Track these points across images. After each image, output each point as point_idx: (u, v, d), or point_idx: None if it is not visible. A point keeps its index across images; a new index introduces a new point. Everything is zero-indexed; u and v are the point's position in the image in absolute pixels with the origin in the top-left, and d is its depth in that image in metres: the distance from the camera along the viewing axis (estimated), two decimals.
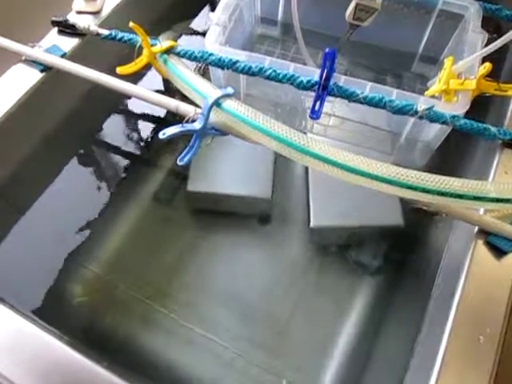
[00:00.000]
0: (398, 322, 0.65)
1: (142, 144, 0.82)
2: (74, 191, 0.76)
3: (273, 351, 0.62)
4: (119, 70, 0.56)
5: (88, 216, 0.74)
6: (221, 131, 0.51)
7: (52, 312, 0.64)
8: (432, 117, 0.52)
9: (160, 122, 0.82)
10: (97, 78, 0.55)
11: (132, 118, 0.84)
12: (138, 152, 0.82)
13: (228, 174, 0.73)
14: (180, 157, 0.49)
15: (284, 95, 0.63)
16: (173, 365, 0.61)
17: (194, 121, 0.50)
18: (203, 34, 0.60)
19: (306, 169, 0.74)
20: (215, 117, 0.51)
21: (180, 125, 0.48)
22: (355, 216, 0.68)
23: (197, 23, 0.92)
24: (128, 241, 0.72)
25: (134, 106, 0.83)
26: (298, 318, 0.65)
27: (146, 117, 0.83)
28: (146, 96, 0.55)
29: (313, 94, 0.52)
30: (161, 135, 0.46)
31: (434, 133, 0.58)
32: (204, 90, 0.51)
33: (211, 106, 0.49)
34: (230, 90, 0.50)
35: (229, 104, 0.50)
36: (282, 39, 0.78)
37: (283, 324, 0.64)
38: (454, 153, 0.65)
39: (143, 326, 0.64)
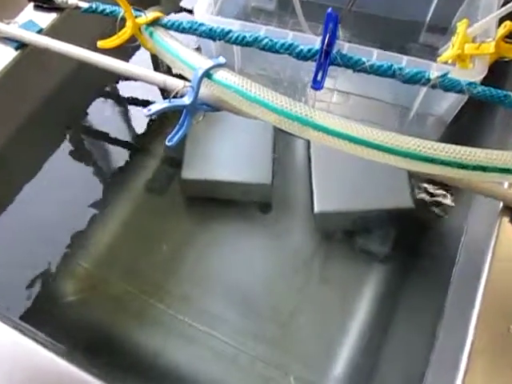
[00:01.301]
0: (413, 313, 0.61)
1: (131, 129, 0.77)
2: (59, 182, 0.71)
3: (278, 345, 0.59)
4: (100, 43, 0.51)
5: (76, 208, 0.70)
6: (213, 106, 0.45)
7: (40, 313, 0.61)
8: (446, 85, 0.47)
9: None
10: (75, 54, 0.49)
11: (120, 101, 0.79)
12: (127, 138, 0.78)
13: (224, 159, 0.69)
14: (169, 137, 0.42)
15: (282, 71, 0.58)
16: (172, 363, 0.58)
17: (183, 96, 0.44)
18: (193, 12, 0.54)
19: (309, 150, 0.69)
20: (206, 90, 0.45)
21: (167, 100, 0.41)
22: (362, 199, 0.64)
23: (187, 1, 0.86)
24: (120, 233, 0.68)
25: (123, 88, 0.79)
26: (303, 310, 0.61)
27: (136, 100, 0.78)
28: (129, 71, 0.49)
29: (314, 69, 0.46)
30: (146, 112, 0.40)
31: (447, 104, 0.53)
32: (193, 60, 0.45)
33: (201, 78, 0.43)
34: (221, 60, 0.44)
35: (221, 75, 0.44)
36: (279, 13, 0.72)
37: (288, 317, 0.61)
38: (470, 126, 0.60)
39: (139, 323, 0.61)
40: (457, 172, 0.39)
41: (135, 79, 0.50)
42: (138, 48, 0.55)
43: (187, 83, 0.45)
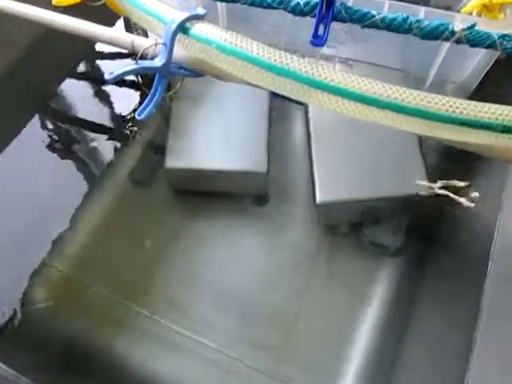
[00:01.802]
0: (432, 315, 0.56)
1: (108, 112, 0.71)
2: (25, 173, 0.65)
3: (278, 354, 0.54)
4: (55, 1, 0.41)
5: (49, 202, 0.64)
6: (192, 70, 0.36)
7: (8, 323, 0.56)
8: (474, 39, 0.39)
9: (131, 86, 0.71)
10: (24, 13, 0.40)
11: (95, 80, 0.73)
12: (104, 122, 0.71)
13: (214, 144, 0.62)
14: (139, 109, 0.33)
15: (276, 36, 0.49)
16: (158, 376, 0.54)
17: (155, 58, 0.35)
18: None
19: (309, 133, 0.62)
20: (183, 49, 0.36)
21: (134, 62, 0.32)
22: (370, 187, 0.58)
23: None
24: (98, 231, 0.63)
25: (98, 64, 0.73)
26: (306, 313, 0.57)
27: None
28: (90, 32, 0.40)
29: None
30: (107, 76, 0.31)
31: (469, 69, 0.45)
32: (165, 12, 0.36)
33: (175, 33, 0.34)
34: (200, 11, 0.34)
35: (199, 28, 0.35)
36: None
37: (289, 321, 0.56)
38: (496, 94, 0.53)
39: (121, 332, 0.56)
40: (500, 140, 0.30)
41: (98, 41, 0.40)
42: (105, 11, 0.47)
43: (159, 41, 0.35)
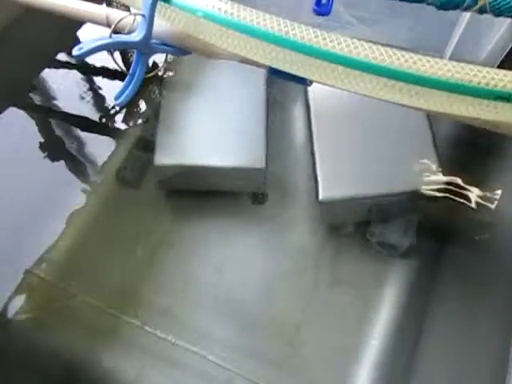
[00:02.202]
0: (450, 317, 0.52)
1: (92, 105, 0.67)
2: (5, 172, 0.61)
3: (282, 367, 0.51)
4: None
5: (29, 205, 0.61)
6: (176, 45, 0.30)
7: None
8: (500, 7, 0.34)
9: (116, 75, 0.66)
10: None
11: (77, 70, 0.69)
12: (88, 116, 0.67)
13: (207, 139, 0.58)
14: (117, 93, 0.28)
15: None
16: None
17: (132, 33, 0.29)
18: None
19: (309, 125, 0.58)
20: (165, 21, 0.30)
21: (107, 36, 0.27)
22: (377, 182, 0.55)
23: None
24: (85, 236, 0.60)
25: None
26: (311, 321, 0.54)
27: (98, 69, 0.68)
28: (64, 6, 0.34)
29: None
30: (75, 52, 0.26)
31: (488, 48, 0.39)
32: None
33: (154, 1, 0.28)
34: None
35: None
36: None
37: (293, 330, 0.53)
38: None
39: (111, 346, 0.53)
40: None
41: (72, 16, 0.35)
42: None
43: (138, 12, 0.30)
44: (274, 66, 0.31)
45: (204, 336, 0.52)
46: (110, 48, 0.30)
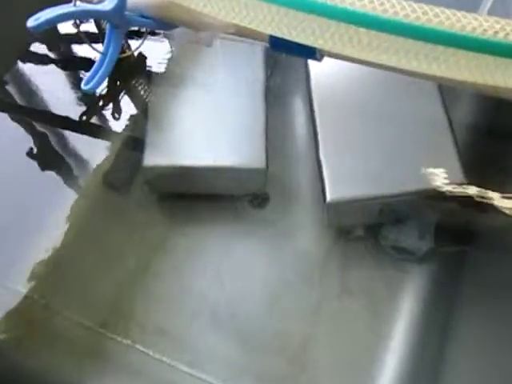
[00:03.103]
0: (477, 330, 0.48)
1: (75, 101, 0.63)
2: None
3: None
4: None
5: (5, 212, 0.57)
6: (156, 18, 0.24)
7: None
8: None
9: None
10: None
11: (54, 63, 0.65)
12: (71, 113, 0.62)
13: (201, 137, 0.54)
14: (86, 78, 0.23)
15: None
16: None
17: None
18: None
19: (313, 119, 0.54)
20: None
21: (71, 3, 0.21)
22: (390, 180, 0.50)
23: None
24: (69, 246, 0.56)
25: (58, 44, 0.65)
26: (319, 336, 0.49)
27: (79, 60, 0.63)
28: None
29: None
30: (31, 23, 0.20)
31: None
32: None
33: None
34: None
35: None
36: None
37: (299, 347, 0.49)
38: None
39: (99, 368, 0.49)
40: None
41: None
42: None
43: None
44: (288, 37, 0.25)
45: (202, 355, 0.48)
46: (73, 18, 0.25)
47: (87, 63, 0.63)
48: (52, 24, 0.24)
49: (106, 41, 0.26)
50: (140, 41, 0.45)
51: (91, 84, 0.26)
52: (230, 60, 0.58)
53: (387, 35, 0.22)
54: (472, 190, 0.49)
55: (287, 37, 0.24)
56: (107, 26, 0.26)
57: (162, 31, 0.31)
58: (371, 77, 0.54)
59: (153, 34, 0.55)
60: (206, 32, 0.31)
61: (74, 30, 0.60)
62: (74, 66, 0.65)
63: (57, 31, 0.68)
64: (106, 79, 0.59)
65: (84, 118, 0.62)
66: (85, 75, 0.62)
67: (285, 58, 0.61)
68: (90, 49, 0.51)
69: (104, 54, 0.26)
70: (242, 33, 0.26)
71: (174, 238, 0.56)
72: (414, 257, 0.52)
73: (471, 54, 0.21)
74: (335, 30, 0.23)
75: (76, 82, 0.65)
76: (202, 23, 0.28)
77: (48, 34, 0.66)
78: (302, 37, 0.24)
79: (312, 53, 0.26)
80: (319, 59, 0.28)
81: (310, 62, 0.56)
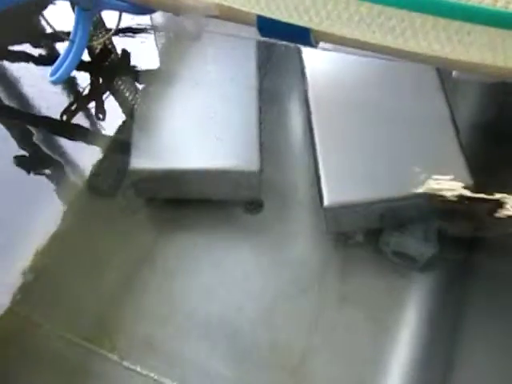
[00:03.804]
0: (486, 342, 0.46)
1: (58, 102, 0.61)
2: None
3: None
4: None
5: None
6: (132, 3, 0.22)
7: None
8: None
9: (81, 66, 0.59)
10: None
11: (41, 60, 0.62)
12: (54, 115, 0.61)
13: (191, 138, 0.53)
14: (53, 68, 0.20)
15: None
16: None
17: None
18: None
19: (309, 119, 0.53)
20: None
21: None
22: (390, 183, 0.49)
23: None
24: (52, 254, 0.54)
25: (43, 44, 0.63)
26: (318, 349, 0.48)
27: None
28: None
29: None
30: None
31: None
32: None
33: None
34: None
35: None
36: None
37: (297, 360, 0.47)
38: None
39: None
40: None
41: None
42: None
43: None
44: (268, 14, 0.22)
45: (194, 371, 0.47)
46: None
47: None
48: (9, 4, 0.21)
49: (74, 26, 0.24)
50: (125, 38, 0.42)
51: (58, 74, 0.23)
52: (221, 57, 0.58)
53: (394, 10, 0.19)
54: (479, 192, 0.47)
55: (277, 17, 0.21)
56: (76, 9, 0.23)
57: (147, 27, 0.29)
58: (370, 75, 0.53)
59: (137, 31, 0.54)
60: (189, 20, 0.28)
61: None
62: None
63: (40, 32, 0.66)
64: (88, 78, 0.57)
65: (65, 118, 0.60)
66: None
67: (279, 55, 0.60)
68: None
69: (72, 41, 0.23)
70: (228, 16, 0.24)
71: (163, 247, 0.54)
72: (417, 263, 0.51)
73: (485, 28, 0.19)
74: (333, 7, 0.20)
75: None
76: (182, 5, 0.25)
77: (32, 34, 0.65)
78: (294, 16, 0.21)
79: (305, 36, 0.23)
80: (314, 45, 0.25)
81: (306, 59, 0.55)
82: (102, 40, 0.27)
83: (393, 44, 0.21)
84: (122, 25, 0.51)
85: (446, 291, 0.50)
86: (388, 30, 0.20)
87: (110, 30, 0.43)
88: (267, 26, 0.23)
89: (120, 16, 0.28)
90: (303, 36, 0.23)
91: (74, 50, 0.24)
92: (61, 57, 0.24)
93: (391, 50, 0.22)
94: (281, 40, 0.25)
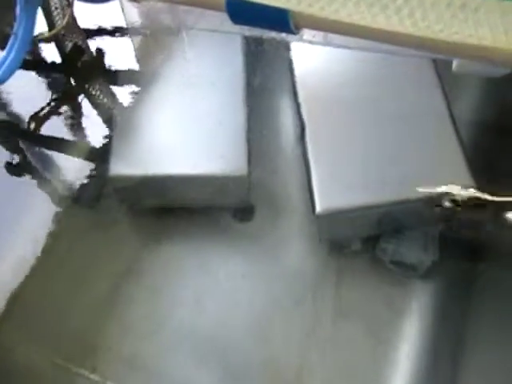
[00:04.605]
0: (489, 354, 0.44)
1: (29, 108, 0.58)
2: None
3: None
4: None
5: None
6: None
7: None
8: None
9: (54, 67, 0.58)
10: None
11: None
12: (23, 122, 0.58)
13: (175, 143, 0.51)
14: None
15: None
16: None
17: None
18: None
19: (301, 122, 0.51)
20: None
21: None
22: (386, 187, 0.47)
23: None
24: (31, 268, 0.52)
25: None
26: (314, 364, 0.46)
27: (32, 62, 0.58)
28: None
29: None
30: None
31: None
32: None
33: None
34: None
35: None
36: None
37: (292, 377, 0.46)
38: None
39: None
40: None
41: None
42: None
43: None
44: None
45: None
46: None
47: (41, 65, 0.60)
48: None
49: (17, 19, 0.21)
50: (101, 38, 0.40)
51: (1, 72, 0.21)
52: (204, 55, 0.57)
53: None
54: (481, 195, 0.45)
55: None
56: (18, 1, 0.21)
57: (121, 25, 0.27)
58: (363, 72, 0.52)
59: (111, 29, 0.52)
60: (166, 15, 0.25)
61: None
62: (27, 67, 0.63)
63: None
64: (63, 81, 0.55)
65: (34, 125, 0.58)
66: (37, 78, 0.59)
67: (267, 52, 0.58)
68: (48, 51, 0.48)
69: (15, 35, 0.21)
70: (194, 1, 0.21)
71: (148, 258, 0.52)
72: (417, 272, 0.49)
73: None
74: None
75: (29, 86, 0.61)
76: None
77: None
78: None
79: (283, 20, 0.20)
80: (294, 31, 0.22)
81: (294, 56, 0.53)
82: (54, 32, 0.24)
83: (385, 25, 0.18)
84: (95, 24, 0.49)
85: (447, 301, 0.49)
86: (381, 9, 0.17)
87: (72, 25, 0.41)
88: (238, 11, 0.20)
89: (71, 8, 0.25)
90: (281, 20, 0.20)
91: (16, 45, 0.21)
92: (3, 54, 0.22)
93: (382, 35, 0.19)
94: (255, 26, 0.22)
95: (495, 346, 0.45)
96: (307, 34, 0.44)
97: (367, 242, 0.51)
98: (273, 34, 0.51)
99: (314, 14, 0.19)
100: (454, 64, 0.38)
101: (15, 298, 0.51)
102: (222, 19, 0.31)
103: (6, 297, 0.51)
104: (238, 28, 0.29)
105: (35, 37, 0.34)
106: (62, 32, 0.36)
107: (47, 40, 0.26)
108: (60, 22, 0.33)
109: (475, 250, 0.50)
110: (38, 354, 0.48)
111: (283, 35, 0.50)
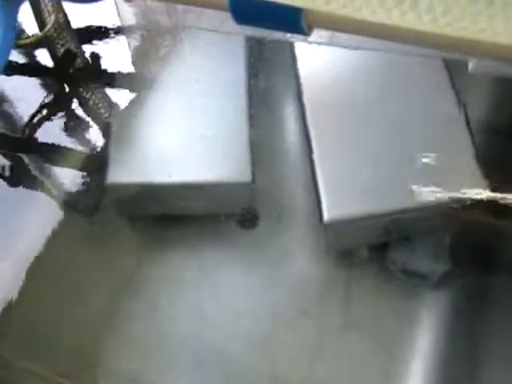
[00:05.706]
0: (507, 367, 0.42)
1: (21, 114, 0.57)
2: None
3: None
4: None
5: None
6: None
7: None
8: None
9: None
10: None
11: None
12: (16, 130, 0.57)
13: (175, 149, 0.50)
14: None
15: None
16: None
17: None
18: None
19: (305, 125, 0.49)
20: None
21: None
22: (394, 195, 0.46)
23: None
24: (26, 280, 0.50)
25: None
26: (321, 379, 0.45)
27: (22, 67, 0.55)
28: None
29: None
30: None
31: None
32: None
33: None
34: None
35: None
36: None
37: None
38: None
39: None
40: None
41: None
42: None
43: None
44: None
45: None
46: None
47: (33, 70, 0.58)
48: None
49: None
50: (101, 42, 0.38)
51: None
52: (205, 57, 0.54)
53: None
54: (496, 201, 0.44)
55: None
56: None
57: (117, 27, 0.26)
58: (371, 73, 0.50)
59: (105, 32, 0.50)
60: (164, 15, 0.24)
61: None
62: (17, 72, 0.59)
63: None
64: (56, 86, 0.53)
65: (28, 132, 0.56)
66: (29, 82, 0.57)
67: (270, 54, 0.56)
68: (36, 55, 0.46)
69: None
70: (194, 0, 0.19)
71: (148, 269, 0.51)
72: (428, 282, 0.47)
73: None
74: None
75: (20, 91, 0.59)
76: None
77: None
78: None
79: (295, 20, 0.18)
80: (306, 31, 0.20)
81: (299, 59, 0.51)
82: (43, 34, 0.23)
83: (416, 25, 0.16)
84: (89, 25, 0.48)
85: (460, 312, 0.47)
86: (410, 6, 0.16)
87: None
88: (242, 9, 0.18)
89: (60, 5, 0.24)
90: (292, 20, 0.18)
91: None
92: None
93: (404, 34, 0.18)
94: (261, 27, 0.21)
95: None
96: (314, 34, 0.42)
97: (376, 250, 0.49)
98: (277, 35, 0.50)
99: (332, 13, 0.17)
100: (471, 65, 0.36)
101: (10, 313, 0.49)
102: (222, 19, 0.29)
103: (4, 313, 0.50)
104: (239, 28, 0.27)
105: (20, 40, 0.33)
106: (54, 34, 0.35)
107: (35, 44, 0.25)
108: (50, 25, 0.31)
109: (489, 258, 0.48)
110: (33, 371, 0.46)
111: (287, 35, 0.48)
